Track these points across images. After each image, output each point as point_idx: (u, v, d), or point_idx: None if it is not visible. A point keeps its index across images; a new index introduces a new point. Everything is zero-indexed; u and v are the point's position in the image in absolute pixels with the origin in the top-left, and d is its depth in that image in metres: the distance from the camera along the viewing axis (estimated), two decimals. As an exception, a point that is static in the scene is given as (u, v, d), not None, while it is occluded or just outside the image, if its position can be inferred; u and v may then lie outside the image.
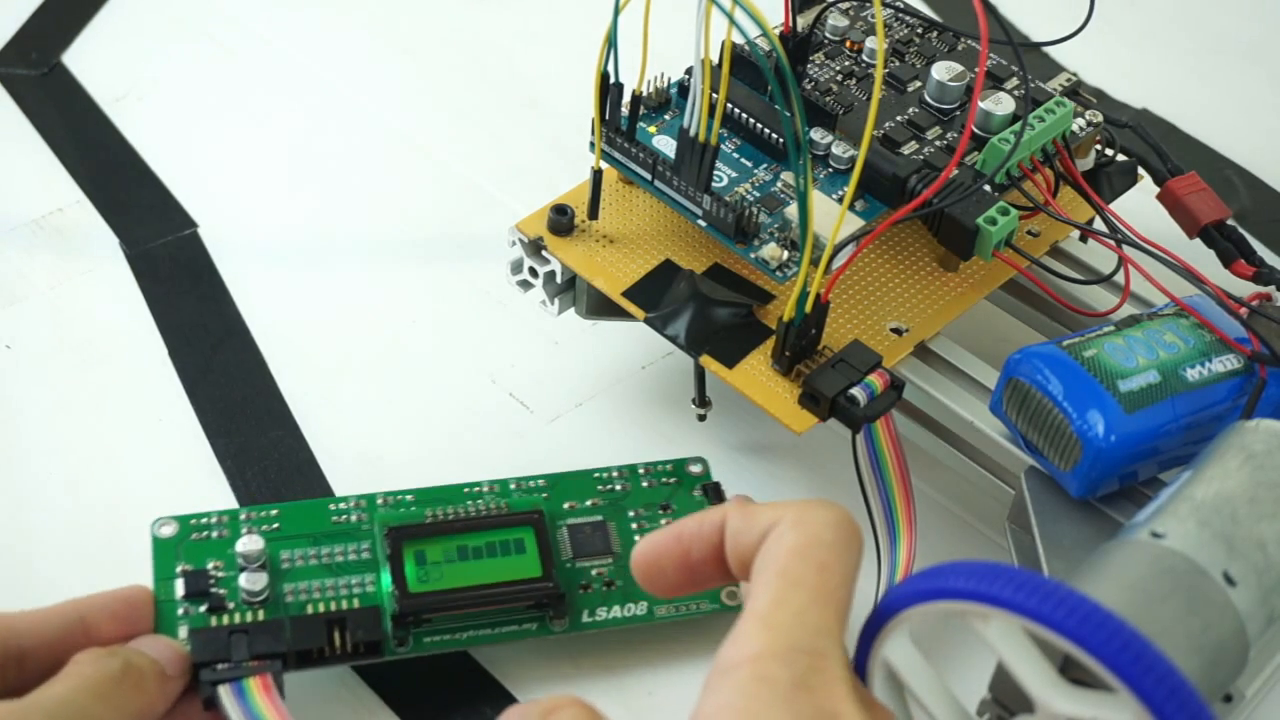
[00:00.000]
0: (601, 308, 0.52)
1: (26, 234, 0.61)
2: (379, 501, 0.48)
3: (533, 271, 0.52)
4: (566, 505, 0.49)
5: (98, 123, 0.66)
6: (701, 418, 0.53)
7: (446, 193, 0.64)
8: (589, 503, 0.49)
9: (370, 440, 0.54)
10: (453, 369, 0.57)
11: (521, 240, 0.51)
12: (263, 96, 0.68)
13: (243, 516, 0.47)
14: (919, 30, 0.57)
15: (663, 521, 0.49)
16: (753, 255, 0.49)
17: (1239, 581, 0.39)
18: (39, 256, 0.60)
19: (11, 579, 0.48)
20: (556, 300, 0.52)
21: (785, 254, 0.49)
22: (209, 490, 0.52)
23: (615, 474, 0.50)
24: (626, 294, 0.50)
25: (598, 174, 0.51)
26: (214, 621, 0.44)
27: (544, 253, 0.51)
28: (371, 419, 0.55)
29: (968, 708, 0.40)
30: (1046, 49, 0.61)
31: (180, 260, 0.60)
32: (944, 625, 0.47)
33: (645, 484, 0.50)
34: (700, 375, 0.52)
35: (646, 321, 0.50)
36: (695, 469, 0.50)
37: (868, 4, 0.57)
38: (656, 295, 0.50)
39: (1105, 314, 0.52)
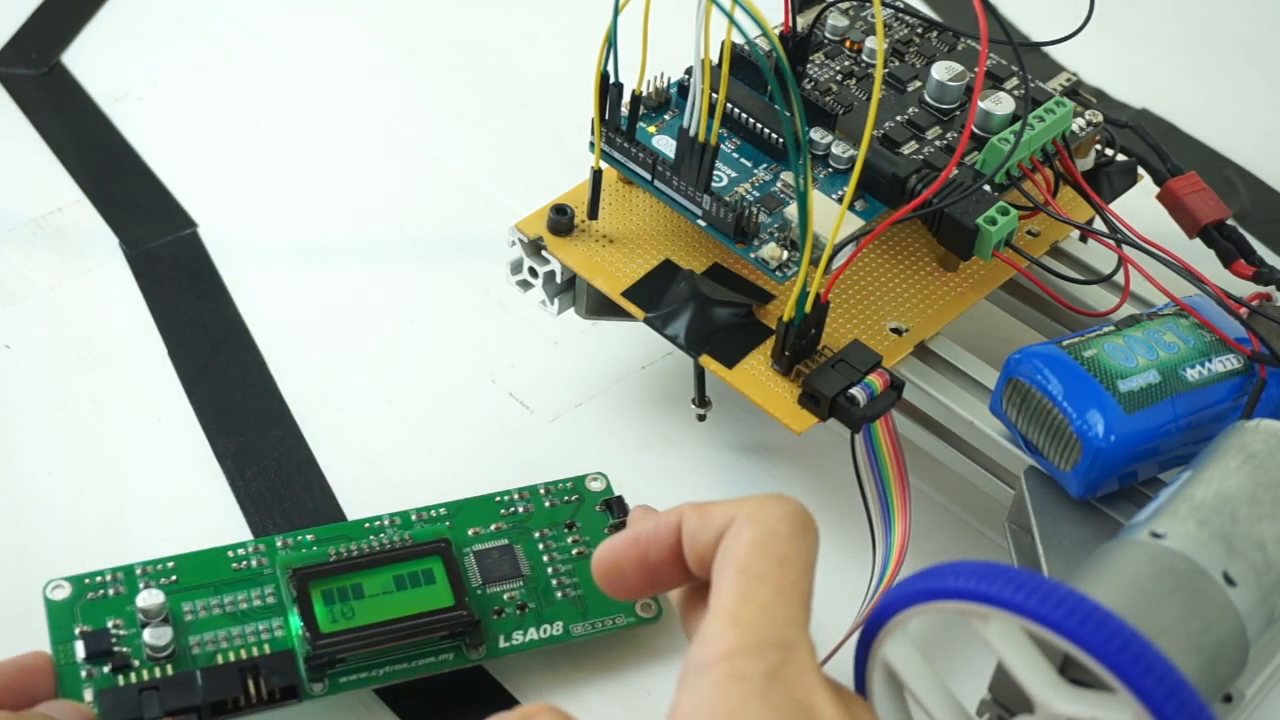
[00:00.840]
0: (601, 308, 0.52)
1: (26, 234, 0.61)
2: (279, 544, 0.47)
3: (532, 271, 0.52)
4: (471, 532, 0.48)
5: (97, 123, 0.66)
6: (701, 418, 0.53)
7: (446, 193, 0.64)
8: (493, 527, 0.48)
9: (370, 440, 0.54)
10: (453, 369, 0.57)
11: (521, 240, 0.51)
12: (262, 96, 0.68)
13: (138, 571, 0.46)
14: (919, 30, 0.57)
15: (569, 540, 0.48)
16: (753, 255, 0.49)
17: (1239, 581, 0.39)
18: (39, 256, 0.60)
19: (12, 579, 0.48)
20: (556, 300, 0.52)
21: (785, 254, 0.48)
22: (209, 490, 0.52)
23: (517, 496, 0.49)
24: (626, 294, 0.50)
25: (597, 174, 0.51)
26: (121, 681, 0.43)
27: (544, 253, 0.51)
28: (371, 419, 0.55)
29: (968, 708, 0.40)
30: (1046, 49, 0.61)
31: (180, 260, 0.60)
32: (944, 625, 0.47)
33: (548, 504, 0.49)
34: (700, 375, 0.52)
35: (646, 321, 0.50)
36: (596, 485, 0.50)
37: (868, 4, 0.57)
38: (656, 295, 0.50)
39: (1105, 314, 0.52)
